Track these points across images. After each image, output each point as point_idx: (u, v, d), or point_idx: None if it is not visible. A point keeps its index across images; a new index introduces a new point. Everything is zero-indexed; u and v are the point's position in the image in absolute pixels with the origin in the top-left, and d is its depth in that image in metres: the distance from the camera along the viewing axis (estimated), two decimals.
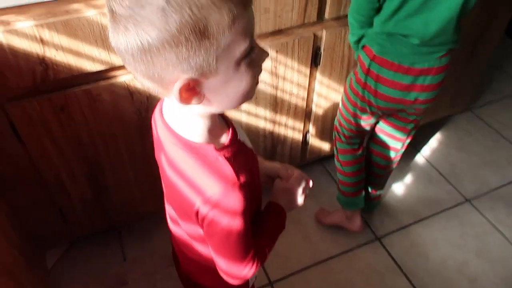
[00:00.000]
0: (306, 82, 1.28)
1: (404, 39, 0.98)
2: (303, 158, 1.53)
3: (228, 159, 0.57)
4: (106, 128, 1.06)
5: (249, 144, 0.67)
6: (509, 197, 1.59)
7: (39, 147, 1.01)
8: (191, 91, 0.50)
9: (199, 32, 0.44)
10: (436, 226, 1.50)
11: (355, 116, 1.19)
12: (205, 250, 0.67)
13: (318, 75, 1.29)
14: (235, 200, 0.55)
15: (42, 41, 0.85)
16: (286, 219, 0.73)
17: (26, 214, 1.15)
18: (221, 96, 0.53)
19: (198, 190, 0.56)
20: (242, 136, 0.64)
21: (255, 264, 0.64)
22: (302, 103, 1.33)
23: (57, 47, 0.87)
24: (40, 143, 1.00)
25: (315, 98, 1.34)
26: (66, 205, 1.18)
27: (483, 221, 1.51)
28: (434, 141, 1.82)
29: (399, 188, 1.62)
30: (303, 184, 0.75)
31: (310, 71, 1.26)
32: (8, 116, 0.93)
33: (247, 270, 0.64)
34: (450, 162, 1.73)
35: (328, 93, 1.35)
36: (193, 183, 0.56)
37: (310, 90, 1.32)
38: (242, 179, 0.56)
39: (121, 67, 0.99)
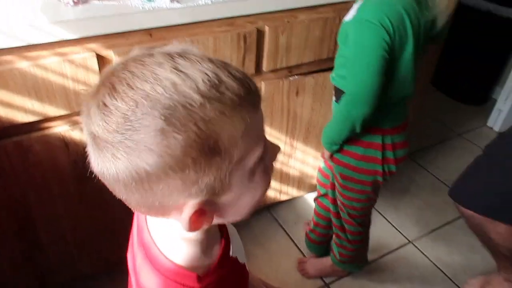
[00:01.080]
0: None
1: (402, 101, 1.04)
2: None
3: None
4: (40, 181, 1.02)
5: (242, 257, 0.59)
6: (448, 237, 1.66)
7: None
8: (202, 215, 0.42)
9: (209, 150, 0.38)
10: (384, 269, 1.52)
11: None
12: None
13: None
14: None
15: None
16: None
17: None
18: (233, 211, 0.45)
19: None
20: (236, 246, 0.56)
21: None
22: None
23: None
24: None
25: None
26: None
27: (426, 261, 1.56)
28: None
29: None
30: None
31: None
32: None
33: None
34: (394, 205, 1.79)
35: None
36: None
37: None
38: None
39: (56, 118, 0.97)
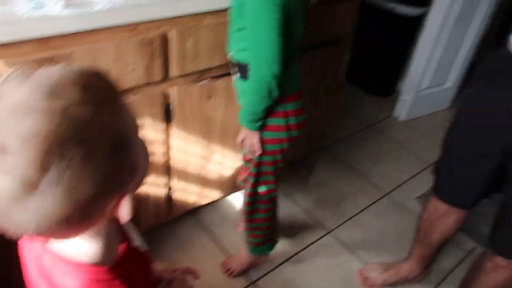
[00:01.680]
0: (162, 138, 1.29)
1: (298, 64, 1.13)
2: (169, 214, 1.51)
3: (123, 278, 0.51)
4: None
5: (141, 245, 0.61)
6: (362, 223, 1.78)
7: None
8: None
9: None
10: (305, 261, 1.58)
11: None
12: None
13: (174, 130, 1.31)
14: None
15: None
16: None
17: None
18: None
19: None
20: (133, 236, 0.58)
21: None
22: (161, 159, 1.33)
23: None
24: None
25: (174, 153, 1.35)
26: None
27: (342, 249, 1.65)
28: (296, 181, 1.96)
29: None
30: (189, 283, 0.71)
31: (166, 126, 1.28)
32: None
33: None
34: (312, 199, 1.87)
35: (186, 147, 1.37)
36: None
37: (167, 146, 1.33)
38: None
39: None
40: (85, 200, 0.39)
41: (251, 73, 1.04)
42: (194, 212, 1.68)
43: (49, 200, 0.37)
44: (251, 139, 1.17)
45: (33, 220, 0.38)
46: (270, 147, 1.19)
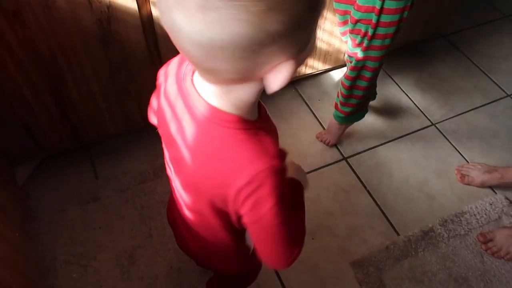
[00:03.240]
0: None
1: None
2: None
3: (266, 134, 0.51)
4: (65, 39, 1.02)
5: None
6: (473, 121, 1.64)
7: None
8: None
9: (314, 5, 0.40)
10: (402, 148, 1.55)
11: None
12: (230, 238, 0.63)
13: None
14: (281, 177, 0.49)
15: None
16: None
17: None
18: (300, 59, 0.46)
19: (239, 167, 0.48)
20: None
21: (301, 246, 0.58)
22: None
23: None
24: None
25: None
26: (30, 120, 1.17)
27: (446, 143, 1.57)
28: (406, 67, 1.82)
29: (368, 112, 1.64)
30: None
31: None
32: None
33: (296, 254, 0.57)
34: (420, 87, 1.75)
35: None
36: (232, 161, 0.49)
37: None
38: (281, 154, 0.50)
39: None
40: (278, 32, 0.37)
41: None
42: (295, 82, 1.68)
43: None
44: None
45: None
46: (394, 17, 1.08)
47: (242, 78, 0.44)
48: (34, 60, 1.02)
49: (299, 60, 0.44)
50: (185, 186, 0.61)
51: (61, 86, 1.12)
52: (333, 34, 1.45)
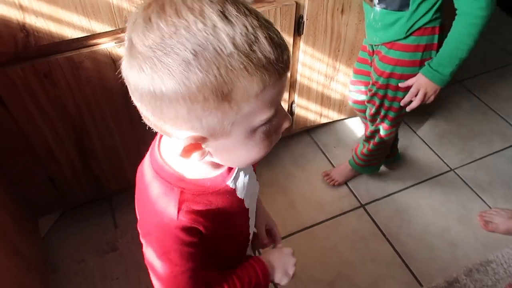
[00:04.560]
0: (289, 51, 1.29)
1: None
2: (289, 128, 1.55)
3: (190, 192, 0.53)
4: (90, 95, 1.09)
5: (250, 201, 0.63)
6: (492, 166, 1.62)
7: (24, 113, 1.04)
8: (195, 147, 0.46)
9: (221, 95, 0.40)
10: (420, 194, 1.53)
11: None
12: None
13: (302, 45, 1.30)
14: (165, 238, 0.53)
15: (21, 8, 0.87)
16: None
17: (18, 180, 1.19)
18: (226, 157, 0.50)
19: (141, 211, 0.57)
20: (247, 189, 0.59)
21: None
22: None
23: (37, 13, 0.89)
24: (25, 109, 1.03)
25: (299, 68, 1.36)
26: (55, 173, 1.22)
27: (466, 189, 1.54)
28: (423, 113, 1.83)
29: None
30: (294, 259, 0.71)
31: (294, 40, 1.27)
32: None
33: None
34: (438, 133, 1.75)
35: (312, 63, 1.36)
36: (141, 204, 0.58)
37: (294, 60, 1.33)
38: (189, 221, 0.52)
39: (103, 34, 1.00)
40: (163, 94, 0.40)
41: (473, 4, 0.94)
42: (311, 130, 1.71)
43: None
44: (433, 91, 1.10)
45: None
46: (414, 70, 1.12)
47: (160, 128, 0.47)
48: (61, 115, 1.09)
49: (215, 148, 0.47)
50: None
51: (85, 139, 1.18)
52: (347, 86, 1.49)
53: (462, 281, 1.27)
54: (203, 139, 0.45)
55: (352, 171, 1.53)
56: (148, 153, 0.59)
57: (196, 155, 0.47)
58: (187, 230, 0.53)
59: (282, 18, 1.19)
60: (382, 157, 1.47)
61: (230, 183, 0.56)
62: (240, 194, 0.59)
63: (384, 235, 1.41)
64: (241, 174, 0.58)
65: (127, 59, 0.42)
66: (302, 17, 1.23)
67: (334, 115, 1.60)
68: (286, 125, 0.50)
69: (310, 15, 1.23)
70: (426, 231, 1.42)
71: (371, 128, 1.32)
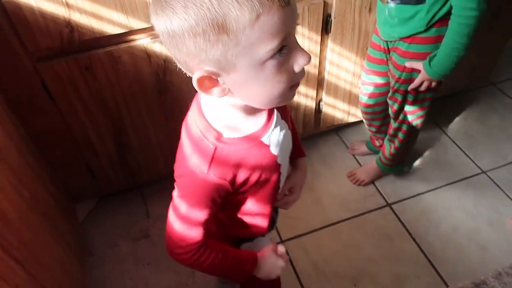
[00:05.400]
0: (317, 49, 1.32)
1: None
2: (317, 127, 1.58)
3: (223, 150, 0.58)
4: (127, 89, 1.16)
5: (283, 158, 0.65)
6: None
7: (68, 105, 1.13)
8: (212, 82, 0.50)
9: (217, 27, 0.44)
10: (450, 196, 1.51)
11: None
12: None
13: (330, 43, 1.32)
14: (194, 184, 0.59)
15: (67, 5, 0.96)
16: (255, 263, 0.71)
17: (60, 168, 1.28)
18: (244, 94, 0.52)
19: (179, 157, 0.61)
20: (281, 147, 0.63)
21: (188, 253, 0.63)
22: (314, 71, 1.38)
23: (81, 10, 0.97)
24: (69, 101, 1.12)
25: (327, 66, 1.38)
26: (94, 162, 1.30)
27: (498, 192, 1.51)
28: (454, 114, 1.80)
29: (414, 158, 1.63)
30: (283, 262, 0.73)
31: (321, 38, 1.30)
32: (39, 75, 1.05)
33: (180, 253, 0.64)
34: (469, 135, 1.72)
35: (340, 61, 1.38)
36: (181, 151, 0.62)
37: (322, 58, 1.36)
38: (218, 178, 0.57)
39: (140, 31, 1.08)
40: (174, 31, 0.46)
41: (463, 4, 0.96)
42: (339, 129, 1.73)
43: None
44: (436, 81, 1.13)
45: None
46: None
47: (184, 68, 0.52)
48: (100, 108, 1.17)
49: (229, 83, 0.50)
50: None
51: (122, 131, 1.25)
52: None
53: (490, 284, 1.24)
54: (216, 74, 0.49)
55: (379, 171, 1.52)
56: (191, 108, 0.64)
57: (216, 90, 0.51)
58: (214, 185, 0.58)
59: (310, 16, 1.23)
60: (409, 154, 1.46)
61: (265, 139, 0.60)
62: (274, 150, 0.62)
63: (410, 235, 1.40)
64: (277, 130, 0.62)
65: (152, 7, 0.48)
66: (330, 15, 1.25)
67: (361, 114, 1.61)
68: (303, 61, 0.50)
69: (338, 14, 1.25)
70: (455, 232, 1.40)
71: (394, 125, 1.33)
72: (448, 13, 1.01)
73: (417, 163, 1.62)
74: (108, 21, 1.02)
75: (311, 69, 1.36)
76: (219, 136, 0.58)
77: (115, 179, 1.39)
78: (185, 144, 0.61)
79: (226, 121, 0.59)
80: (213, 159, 0.58)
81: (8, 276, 0.73)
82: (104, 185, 1.40)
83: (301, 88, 1.40)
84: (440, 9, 1.02)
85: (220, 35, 0.44)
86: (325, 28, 1.28)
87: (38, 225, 1.00)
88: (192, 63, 0.49)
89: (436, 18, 1.03)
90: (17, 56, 1.00)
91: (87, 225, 1.46)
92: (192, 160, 0.59)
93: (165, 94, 1.21)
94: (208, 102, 0.60)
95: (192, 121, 0.61)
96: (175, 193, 0.63)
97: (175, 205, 0.63)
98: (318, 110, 1.52)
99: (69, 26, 0.99)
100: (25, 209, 0.94)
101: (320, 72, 1.40)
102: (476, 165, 1.60)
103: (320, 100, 1.49)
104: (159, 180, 1.54)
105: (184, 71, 0.53)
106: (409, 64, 1.13)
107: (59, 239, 1.13)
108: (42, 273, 0.90)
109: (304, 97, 1.44)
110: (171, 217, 0.64)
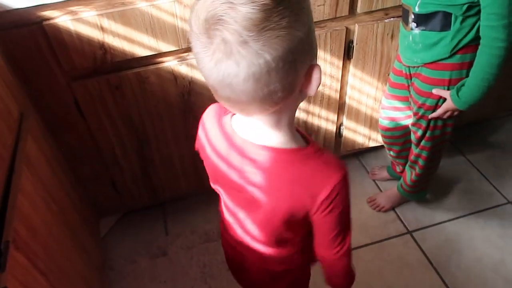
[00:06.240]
0: (339, 74, 1.34)
1: None
2: (337, 151, 1.58)
3: (320, 149, 0.61)
4: (153, 108, 1.21)
5: None
6: None
7: (97, 122, 1.18)
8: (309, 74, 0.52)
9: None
10: (474, 225, 1.47)
11: None
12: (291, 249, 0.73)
13: (351, 68, 1.35)
14: (348, 182, 0.61)
15: (102, 29, 1.02)
16: None
17: (85, 181, 1.32)
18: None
19: (320, 185, 0.58)
20: None
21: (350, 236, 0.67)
22: (335, 95, 1.39)
23: (114, 34, 1.03)
24: (98, 118, 1.17)
25: (348, 90, 1.40)
26: (118, 178, 1.35)
27: None
28: (479, 142, 1.77)
29: (437, 186, 1.60)
30: None
31: (343, 63, 1.33)
32: (73, 93, 1.11)
33: (347, 241, 0.67)
34: (494, 163, 1.68)
35: (361, 86, 1.40)
36: (310, 184, 0.59)
37: (343, 83, 1.38)
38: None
39: (168, 53, 1.13)
40: (301, 38, 0.46)
41: (493, 35, 0.95)
42: (359, 153, 1.72)
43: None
44: (459, 111, 1.13)
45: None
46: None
47: (289, 93, 0.51)
48: (127, 125, 1.22)
49: (318, 65, 0.53)
50: (258, 221, 0.68)
51: (146, 148, 1.30)
52: None
53: None
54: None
55: (400, 197, 1.51)
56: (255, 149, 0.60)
57: (315, 73, 0.52)
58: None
59: (332, 42, 1.26)
60: (431, 181, 1.44)
61: None
62: None
63: (432, 264, 1.36)
64: None
65: (215, 56, 0.46)
66: (352, 41, 1.28)
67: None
68: None
69: (360, 40, 1.28)
70: (479, 264, 1.35)
71: (416, 151, 1.32)
72: (473, 40, 1.02)
73: (439, 190, 1.59)
74: (138, 44, 1.07)
75: (333, 93, 1.38)
76: (312, 144, 0.62)
77: (138, 195, 1.43)
78: (297, 181, 0.59)
79: (295, 134, 0.62)
80: (330, 155, 0.62)
81: (31, 286, 0.75)
82: (127, 201, 1.43)
83: (322, 112, 1.42)
84: (465, 36, 1.02)
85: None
86: (347, 54, 1.31)
87: (63, 237, 1.03)
88: (305, 68, 0.50)
89: (461, 45, 1.04)
90: (53, 75, 1.06)
91: (108, 239, 1.49)
92: (331, 173, 0.59)
93: (188, 113, 1.25)
94: (266, 132, 0.59)
95: (275, 165, 0.59)
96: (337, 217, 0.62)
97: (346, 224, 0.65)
98: (338, 134, 1.53)
99: (103, 48, 1.05)
100: (52, 222, 0.97)
101: (341, 97, 1.41)
102: (502, 194, 1.56)
103: (341, 124, 1.50)
104: (180, 197, 1.57)
105: (280, 95, 0.50)
106: (436, 91, 1.13)
107: (81, 252, 1.16)
108: (64, 285, 0.93)
109: (325, 120, 1.45)
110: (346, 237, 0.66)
